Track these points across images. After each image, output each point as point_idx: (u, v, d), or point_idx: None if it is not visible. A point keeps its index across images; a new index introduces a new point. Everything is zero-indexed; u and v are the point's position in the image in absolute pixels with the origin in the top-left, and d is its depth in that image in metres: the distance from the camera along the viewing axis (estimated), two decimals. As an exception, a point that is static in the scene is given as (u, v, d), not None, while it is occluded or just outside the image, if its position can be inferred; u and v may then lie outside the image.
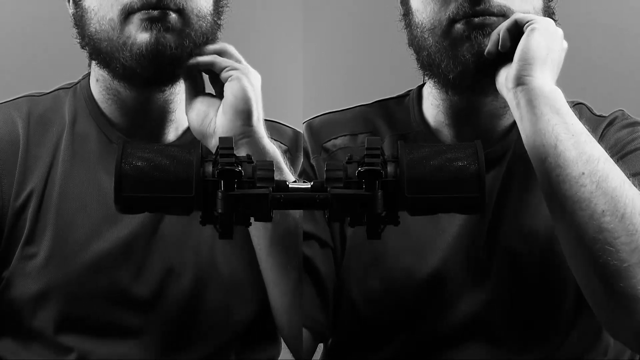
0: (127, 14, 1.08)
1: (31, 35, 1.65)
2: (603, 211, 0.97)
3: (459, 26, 1.09)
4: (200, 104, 1.11)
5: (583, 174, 0.98)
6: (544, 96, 1.02)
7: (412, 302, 1.14)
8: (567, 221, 0.99)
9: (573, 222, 0.98)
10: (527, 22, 1.05)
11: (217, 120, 1.09)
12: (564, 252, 1.03)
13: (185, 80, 1.13)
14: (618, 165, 1.01)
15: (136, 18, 1.08)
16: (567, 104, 1.03)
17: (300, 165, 1.21)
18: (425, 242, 1.14)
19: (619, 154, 1.09)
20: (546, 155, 1.00)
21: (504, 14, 1.09)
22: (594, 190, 0.97)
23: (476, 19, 1.08)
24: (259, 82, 1.11)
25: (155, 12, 1.07)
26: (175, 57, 1.09)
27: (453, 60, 1.09)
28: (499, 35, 1.07)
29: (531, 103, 1.02)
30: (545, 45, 1.04)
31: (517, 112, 1.04)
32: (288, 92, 1.67)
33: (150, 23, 1.07)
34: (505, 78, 1.05)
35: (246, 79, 1.08)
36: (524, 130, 1.03)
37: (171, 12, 1.08)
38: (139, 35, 1.08)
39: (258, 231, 1.09)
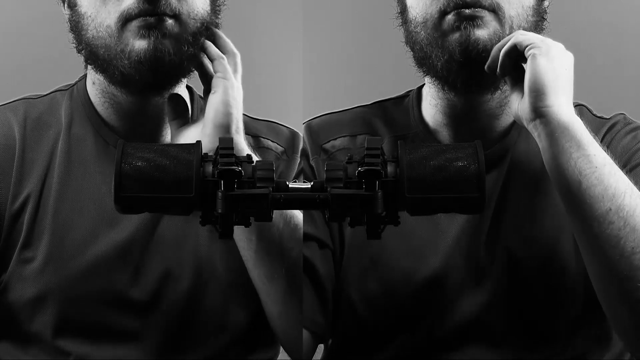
0: (124, 21, 1.08)
1: (29, 36, 1.65)
2: (633, 248, 0.97)
3: (449, 17, 1.09)
4: (187, 133, 1.11)
5: (610, 209, 0.98)
6: (563, 128, 1.01)
7: (412, 304, 1.14)
8: (597, 259, 0.99)
9: (603, 261, 0.98)
10: (526, 46, 1.04)
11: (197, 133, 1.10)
12: (594, 286, 1.03)
13: (168, 113, 1.13)
14: (628, 177, 1.01)
15: (133, 25, 1.07)
16: (587, 131, 1.02)
17: (297, 167, 1.21)
18: (425, 244, 1.14)
19: (628, 167, 1.09)
20: (571, 193, 1.00)
21: (494, 9, 1.09)
22: (622, 226, 0.97)
23: (467, 10, 1.08)
24: (241, 94, 1.11)
25: (152, 19, 1.07)
26: (174, 63, 1.09)
27: (441, 50, 1.10)
28: (499, 53, 1.06)
29: (551, 136, 1.01)
30: (552, 68, 1.03)
31: (539, 143, 1.04)
32: (288, 92, 1.67)
33: (147, 30, 1.07)
34: (521, 110, 1.05)
35: (230, 92, 1.08)
36: (547, 162, 1.03)
37: (167, 18, 1.08)
38: (137, 43, 1.07)
39: (243, 242, 1.09)
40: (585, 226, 0.99)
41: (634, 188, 1.00)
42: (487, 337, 1.13)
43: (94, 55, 1.11)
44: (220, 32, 1.13)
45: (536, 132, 1.03)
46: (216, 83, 1.09)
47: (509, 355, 1.13)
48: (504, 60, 1.06)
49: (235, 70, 1.11)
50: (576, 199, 0.99)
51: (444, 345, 1.14)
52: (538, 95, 1.02)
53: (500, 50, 1.06)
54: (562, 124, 1.01)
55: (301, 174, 1.21)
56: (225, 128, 1.07)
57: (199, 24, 1.11)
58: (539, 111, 1.02)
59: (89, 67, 1.15)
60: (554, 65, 1.03)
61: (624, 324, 1.01)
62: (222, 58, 1.10)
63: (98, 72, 1.13)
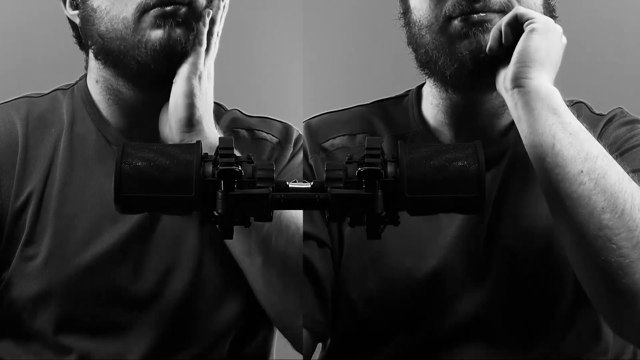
0: (142, 12, 1.09)
1: (29, 36, 1.65)
2: (603, 208, 0.97)
3: (456, 23, 1.08)
4: (164, 117, 1.12)
5: (581, 171, 0.98)
6: (541, 97, 1.02)
7: (411, 302, 1.14)
8: (567, 220, 0.99)
9: (573, 221, 0.98)
10: (528, 19, 1.05)
11: (161, 128, 1.11)
12: (566, 252, 1.03)
13: None
14: (618, 162, 1.01)
15: (150, 16, 1.09)
16: (564, 103, 1.03)
17: (289, 156, 1.21)
18: (424, 242, 1.14)
19: (619, 151, 1.09)
20: (544, 155, 1.00)
21: (504, 10, 1.08)
22: (593, 187, 0.97)
23: (475, 16, 1.08)
24: (210, 79, 1.11)
25: (168, 8, 1.09)
26: (185, 51, 1.10)
27: (450, 57, 1.09)
28: (499, 31, 1.06)
29: (528, 104, 1.02)
30: (545, 47, 1.04)
31: (515, 113, 1.04)
32: (288, 92, 1.67)
33: (163, 19, 1.09)
34: (503, 79, 1.06)
35: (194, 81, 1.09)
36: (522, 131, 1.03)
37: (182, 7, 1.09)
38: (153, 33, 1.09)
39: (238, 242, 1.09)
40: (557, 187, 0.99)
41: (608, 154, 1.01)
42: (486, 336, 1.13)
43: (107, 49, 1.12)
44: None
45: (513, 101, 1.04)
46: (179, 72, 1.10)
47: (508, 353, 1.13)
48: (507, 29, 1.06)
49: (206, 52, 1.11)
50: (549, 163, 1.00)
51: (444, 343, 1.14)
52: (523, 67, 1.03)
53: (499, 29, 1.06)
54: (540, 93, 1.02)
55: (293, 159, 1.21)
56: (186, 120, 1.08)
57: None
58: (519, 81, 1.03)
59: (94, 64, 1.16)
60: (547, 45, 1.04)
61: (598, 290, 1.00)
62: (199, 45, 1.10)
63: (108, 67, 1.14)
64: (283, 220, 1.09)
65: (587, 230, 0.97)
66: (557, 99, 1.03)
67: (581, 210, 0.97)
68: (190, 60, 1.09)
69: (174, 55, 1.09)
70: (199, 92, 1.09)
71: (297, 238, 1.11)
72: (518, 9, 1.06)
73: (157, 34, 1.09)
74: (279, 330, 1.17)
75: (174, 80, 1.09)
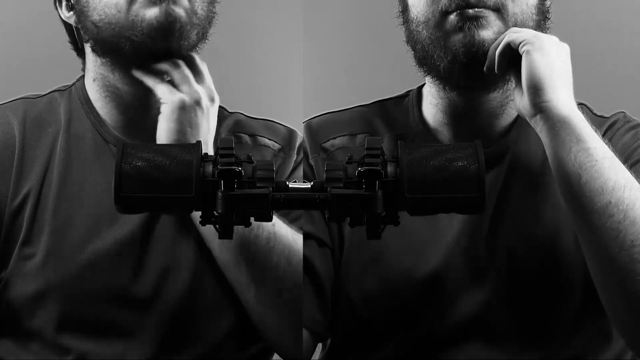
0: None
1: (29, 36, 1.65)
2: (632, 241, 0.96)
3: (452, 17, 1.09)
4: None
5: (610, 202, 0.97)
6: (563, 122, 1.01)
7: (411, 302, 1.14)
8: (597, 252, 0.99)
9: (603, 254, 0.98)
10: (519, 43, 1.04)
11: None
12: (594, 282, 1.03)
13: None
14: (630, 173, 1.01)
15: None
16: (588, 125, 1.02)
17: (293, 164, 1.21)
18: (424, 242, 1.14)
19: (628, 162, 1.09)
20: (571, 185, 1.00)
21: (498, 9, 1.09)
22: (622, 219, 0.97)
23: (470, 11, 1.08)
24: (214, 111, 1.12)
25: None
26: (183, 32, 1.10)
27: (444, 50, 1.10)
28: (493, 57, 1.07)
29: (552, 131, 1.02)
30: (547, 63, 1.03)
31: (541, 138, 1.04)
32: (288, 92, 1.67)
33: None
34: (522, 107, 1.05)
35: (191, 113, 1.10)
36: (549, 157, 1.03)
37: None
38: (148, 11, 1.09)
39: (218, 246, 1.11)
40: (585, 219, 0.99)
41: (634, 181, 1.00)
42: (486, 335, 1.13)
43: (102, 37, 1.12)
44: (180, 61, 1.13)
45: (537, 127, 1.04)
46: (164, 108, 1.10)
47: (509, 353, 1.13)
48: (500, 59, 1.06)
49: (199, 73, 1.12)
50: (576, 193, 0.99)
51: (444, 343, 1.14)
52: (536, 91, 1.03)
53: (494, 55, 1.07)
54: (562, 118, 1.02)
55: (297, 170, 1.21)
56: None
57: (203, 5, 1.13)
58: (538, 106, 1.03)
59: (94, 59, 1.16)
60: (548, 60, 1.03)
61: (623, 318, 1.00)
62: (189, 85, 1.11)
63: (105, 60, 1.14)
64: (273, 259, 1.10)
65: (617, 263, 0.97)
66: (579, 121, 1.02)
67: (610, 243, 0.97)
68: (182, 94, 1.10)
69: (171, 32, 1.09)
70: (192, 129, 1.09)
71: (287, 275, 1.11)
72: (509, 36, 1.06)
73: (153, 11, 1.09)
74: (278, 354, 1.18)
75: (161, 108, 1.11)
